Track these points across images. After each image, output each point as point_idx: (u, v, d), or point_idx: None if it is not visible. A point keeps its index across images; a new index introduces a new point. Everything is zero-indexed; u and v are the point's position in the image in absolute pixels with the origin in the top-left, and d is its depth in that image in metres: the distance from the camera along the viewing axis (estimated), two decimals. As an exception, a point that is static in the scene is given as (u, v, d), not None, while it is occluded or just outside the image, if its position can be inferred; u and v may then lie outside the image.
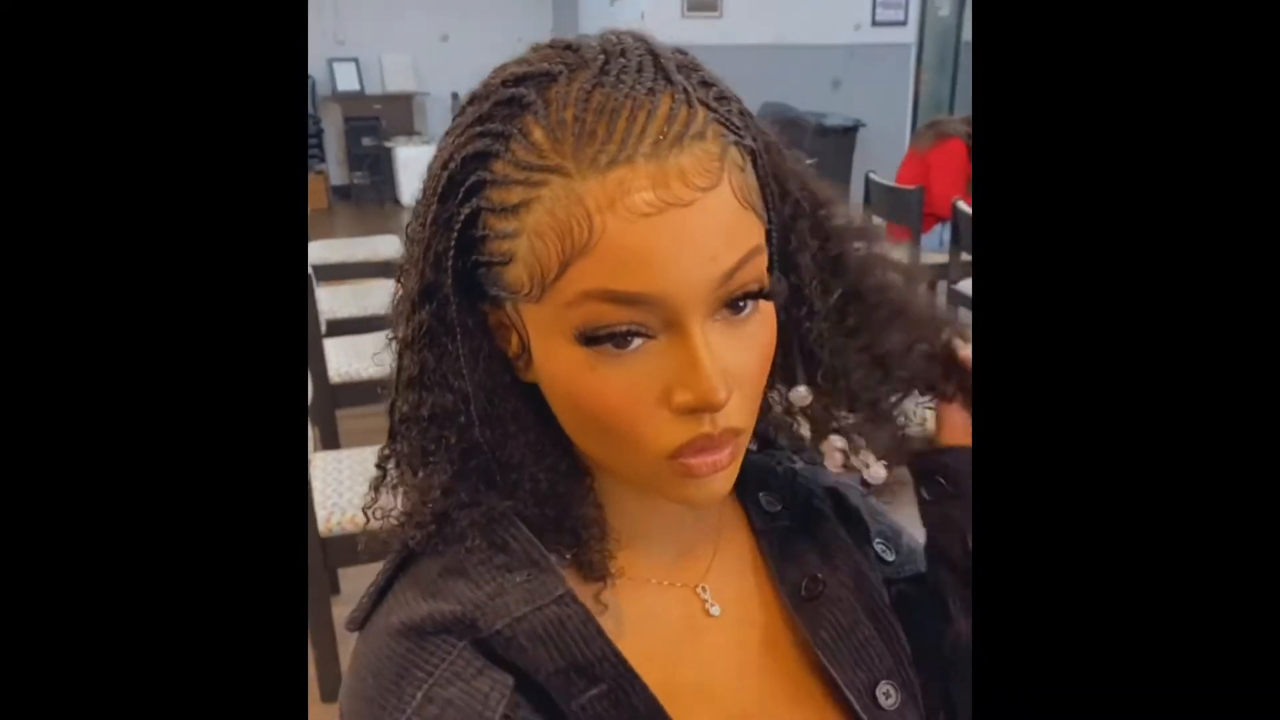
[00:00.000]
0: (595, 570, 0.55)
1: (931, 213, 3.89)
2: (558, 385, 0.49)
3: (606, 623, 0.53)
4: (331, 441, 2.51)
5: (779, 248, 0.54)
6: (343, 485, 1.95)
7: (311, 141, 7.88)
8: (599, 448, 0.51)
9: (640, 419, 0.48)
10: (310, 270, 2.60)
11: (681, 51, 0.50)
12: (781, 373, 0.58)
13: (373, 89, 8.05)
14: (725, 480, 0.50)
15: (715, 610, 0.60)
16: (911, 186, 3.81)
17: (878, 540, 0.66)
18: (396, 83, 8.07)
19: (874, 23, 6.56)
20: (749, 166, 0.49)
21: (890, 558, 0.66)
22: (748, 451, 0.56)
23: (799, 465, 0.66)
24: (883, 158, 5.43)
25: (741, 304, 0.48)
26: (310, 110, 7.88)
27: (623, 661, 0.52)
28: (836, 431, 0.59)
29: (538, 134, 0.46)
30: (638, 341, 0.47)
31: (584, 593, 0.54)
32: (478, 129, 0.47)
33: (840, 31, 6.40)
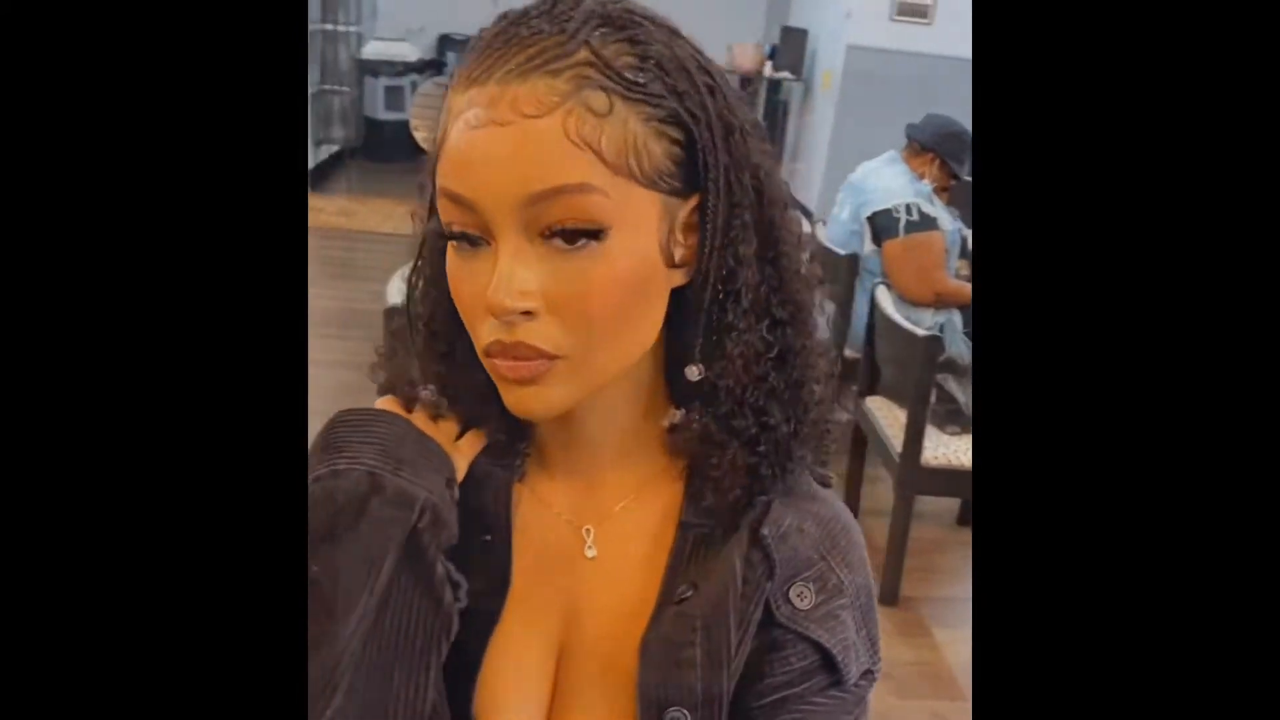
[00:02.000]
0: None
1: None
2: None
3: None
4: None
5: (716, 221, 0.56)
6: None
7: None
8: None
9: (472, 314, 0.54)
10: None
11: (642, 18, 0.54)
12: (681, 346, 0.60)
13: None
14: (538, 399, 0.55)
15: (591, 553, 0.64)
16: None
17: (799, 582, 0.61)
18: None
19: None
20: (628, 117, 0.52)
21: (803, 605, 0.61)
22: (718, 445, 0.60)
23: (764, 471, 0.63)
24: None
25: (576, 237, 0.52)
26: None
27: (508, 525, 0.63)
28: (701, 413, 0.60)
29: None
30: (484, 246, 0.53)
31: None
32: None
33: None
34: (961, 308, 3.00)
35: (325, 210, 5.59)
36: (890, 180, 2.90)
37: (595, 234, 0.52)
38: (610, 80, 0.51)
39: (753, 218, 0.57)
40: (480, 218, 0.52)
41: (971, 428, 2.37)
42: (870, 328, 2.67)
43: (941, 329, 2.83)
